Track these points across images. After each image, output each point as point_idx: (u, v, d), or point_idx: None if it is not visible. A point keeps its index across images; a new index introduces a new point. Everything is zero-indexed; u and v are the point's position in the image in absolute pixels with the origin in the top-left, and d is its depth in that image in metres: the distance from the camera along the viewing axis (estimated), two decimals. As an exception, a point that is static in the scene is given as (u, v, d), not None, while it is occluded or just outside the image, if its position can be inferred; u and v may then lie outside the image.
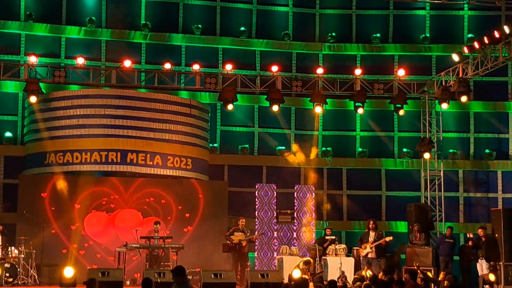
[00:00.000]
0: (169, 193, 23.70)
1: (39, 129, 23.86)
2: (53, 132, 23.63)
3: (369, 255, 21.73)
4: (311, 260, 21.50)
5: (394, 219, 26.74)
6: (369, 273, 19.65)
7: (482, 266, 21.35)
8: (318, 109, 24.79)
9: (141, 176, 23.84)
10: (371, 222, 22.27)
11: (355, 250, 22.52)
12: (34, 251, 21.12)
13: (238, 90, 24.52)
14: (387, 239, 21.78)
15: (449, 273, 17.54)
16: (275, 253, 23.82)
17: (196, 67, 24.37)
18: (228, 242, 22.04)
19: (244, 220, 22.48)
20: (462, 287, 16.22)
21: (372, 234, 22.00)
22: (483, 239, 21.54)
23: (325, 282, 17.06)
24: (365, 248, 21.78)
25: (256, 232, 23.61)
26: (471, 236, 22.96)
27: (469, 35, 27.36)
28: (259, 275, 18.81)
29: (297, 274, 18.95)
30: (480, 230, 21.79)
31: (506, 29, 21.76)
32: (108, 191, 23.36)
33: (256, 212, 24.56)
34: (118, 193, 23.38)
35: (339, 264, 21.41)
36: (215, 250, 22.92)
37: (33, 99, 23.14)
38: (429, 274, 18.52)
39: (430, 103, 26.23)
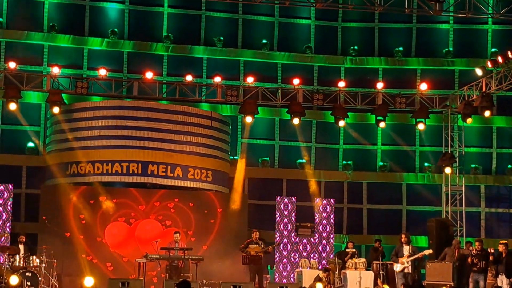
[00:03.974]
0: (189, 204, 23.72)
1: (61, 140, 23.99)
2: (75, 142, 23.72)
3: (405, 270, 21.44)
4: (330, 268, 21.44)
5: (415, 234, 26.53)
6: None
7: (502, 282, 21.08)
8: (341, 123, 24.73)
9: (161, 187, 23.88)
10: (403, 236, 21.89)
11: (374, 264, 22.38)
12: (55, 260, 21.19)
13: (259, 102, 24.53)
14: (426, 252, 21.54)
15: None
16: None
17: (217, 79, 24.41)
18: (244, 254, 21.96)
19: (258, 232, 22.39)
20: None
21: (406, 248, 21.64)
22: (504, 254, 21.29)
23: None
24: (402, 263, 21.47)
25: (276, 242, 23.68)
26: (492, 251, 22.69)
27: (493, 50, 27.27)
28: (278, 287, 18.77)
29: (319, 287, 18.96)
30: (501, 245, 21.52)
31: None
32: (129, 202, 23.41)
33: (276, 225, 24.53)
34: (138, 204, 23.42)
35: (358, 278, 21.28)
36: (234, 262, 22.86)
37: (55, 109, 23.26)
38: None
39: (453, 117, 26.12)
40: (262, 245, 22.25)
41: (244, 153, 26.08)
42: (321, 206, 24.84)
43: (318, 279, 20.75)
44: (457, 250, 22.02)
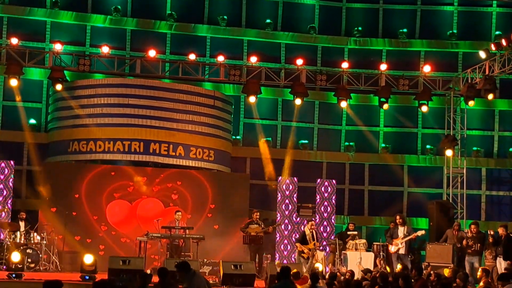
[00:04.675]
0: (190, 184, 23.71)
1: (63, 117, 23.95)
2: (77, 120, 23.69)
3: (400, 251, 21.49)
4: (314, 219, 21.61)
5: (415, 216, 26.63)
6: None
7: (501, 265, 21.07)
8: (343, 104, 24.70)
9: (163, 166, 23.85)
10: (398, 217, 21.96)
11: (375, 245, 22.42)
12: (56, 237, 21.22)
13: (262, 82, 24.49)
14: (419, 233, 21.56)
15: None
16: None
17: (220, 58, 24.36)
18: (244, 234, 21.99)
19: (258, 213, 22.45)
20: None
21: (401, 229, 21.67)
22: (503, 237, 21.26)
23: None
24: (396, 244, 21.50)
25: (276, 222, 23.72)
26: (492, 233, 22.68)
27: (497, 32, 27.17)
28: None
29: (320, 266, 19.02)
30: (500, 228, 21.49)
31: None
32: (130, 180, 23.38)
33: (277, 205, 24.54)
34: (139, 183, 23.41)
35: (358, 259, 21.35)
36: (236, 242, 22.90)
37: (58, 86, 23.22)
38: (446, 271, 18.41)
39: (455, 100, 26.06)
40: (263, 225, 22.31)
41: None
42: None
43: (303, 234, 20.88)
44: (456, 232, 22.06)
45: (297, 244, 21.25)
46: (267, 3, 27.39)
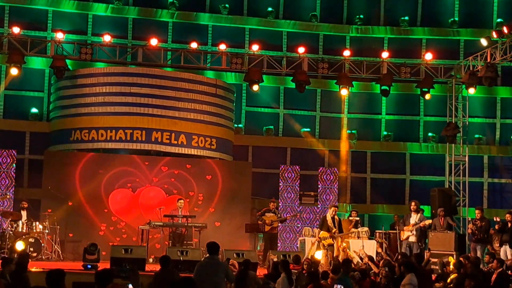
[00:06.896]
0: (193, 172, 23.72)
1: (65, 106, 23.95)
2: (79, 109, 23.69)
3: (410, 239, 21.42)
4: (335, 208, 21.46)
5: (418, 203, 26.61)
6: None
7: (506, 252, 21.02)
8: (344, 92, 24.67)
9: (165, 155, 23.86)
10: (413, 204, 21.86)
11: (377, 233, 22.43)
12: (58, 226, 21.26)
13: (264, 71, 24.46)
14: (427, 222, 21.50)
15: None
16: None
17: (222, 47, 24.33)
18: (259, 222, 21.90)
19: (275, 203, 22.47)
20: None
21: (414, 216, 21.57)
22: (510, 224, 21.18)
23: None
24: (408, 231, 21.43)
25: (289, 214, 23.74)
26: (498, 220, 22.61)
27: (498, 20, 27.14)
28: (281, 255, 18.82)
29: (319, 255, 19.03)
30: (508, 215, 21.40)
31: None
32: (132, 169, 23.39)
33: (279, 193, 24.55)
34: (142, 171, 23.41)
35: (361, 246, 21.33)
36: (238, 230, 22.93)
37: (59, 75, 23.19)
38: (450, 258, 18.43)
39: (457, 87, 26.03)
40: (279, 215, 22.35)
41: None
42: (324, 175, 24.77)
43: (323, 220, 20.58)
44: (442, 219, 22.06)
45: (316, 230, 20.73)
46: (268, -9, 27.39)
